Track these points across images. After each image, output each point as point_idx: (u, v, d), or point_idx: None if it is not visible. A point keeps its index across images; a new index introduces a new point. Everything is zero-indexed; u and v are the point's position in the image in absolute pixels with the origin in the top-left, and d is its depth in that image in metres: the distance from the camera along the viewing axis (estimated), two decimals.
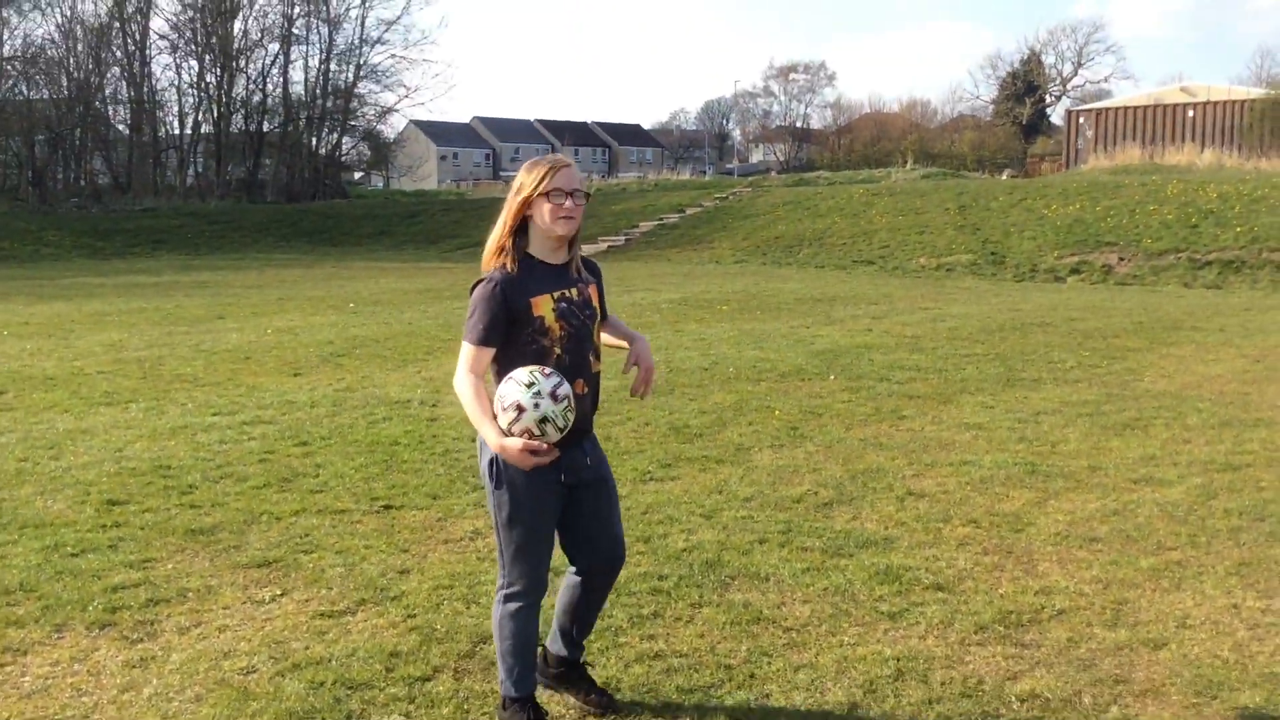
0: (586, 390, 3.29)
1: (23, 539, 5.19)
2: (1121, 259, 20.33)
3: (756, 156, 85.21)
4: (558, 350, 3.23)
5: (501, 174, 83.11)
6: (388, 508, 5.77)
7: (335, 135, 48.32)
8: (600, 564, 3.44)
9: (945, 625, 4.17)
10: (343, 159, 50.62)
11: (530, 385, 3.09)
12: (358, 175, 60.95)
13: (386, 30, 50.75)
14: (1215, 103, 37.49)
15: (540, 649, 3.58)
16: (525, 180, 3.24)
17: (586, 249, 26.01)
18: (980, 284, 19.42)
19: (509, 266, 3.24)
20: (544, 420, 3.07)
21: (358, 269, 24.71)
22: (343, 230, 34.81)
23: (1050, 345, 11.22)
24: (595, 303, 3.36)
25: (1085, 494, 5.92)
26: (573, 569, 3.50)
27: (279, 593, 4.56)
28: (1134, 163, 32.87)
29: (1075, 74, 71.49)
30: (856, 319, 13.87)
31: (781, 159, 76.76)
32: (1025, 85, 66.28)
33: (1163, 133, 36.61)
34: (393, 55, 47.09)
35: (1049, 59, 70.79)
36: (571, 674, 3.57)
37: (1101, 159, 35.37)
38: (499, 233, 3.27)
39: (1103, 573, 4.73)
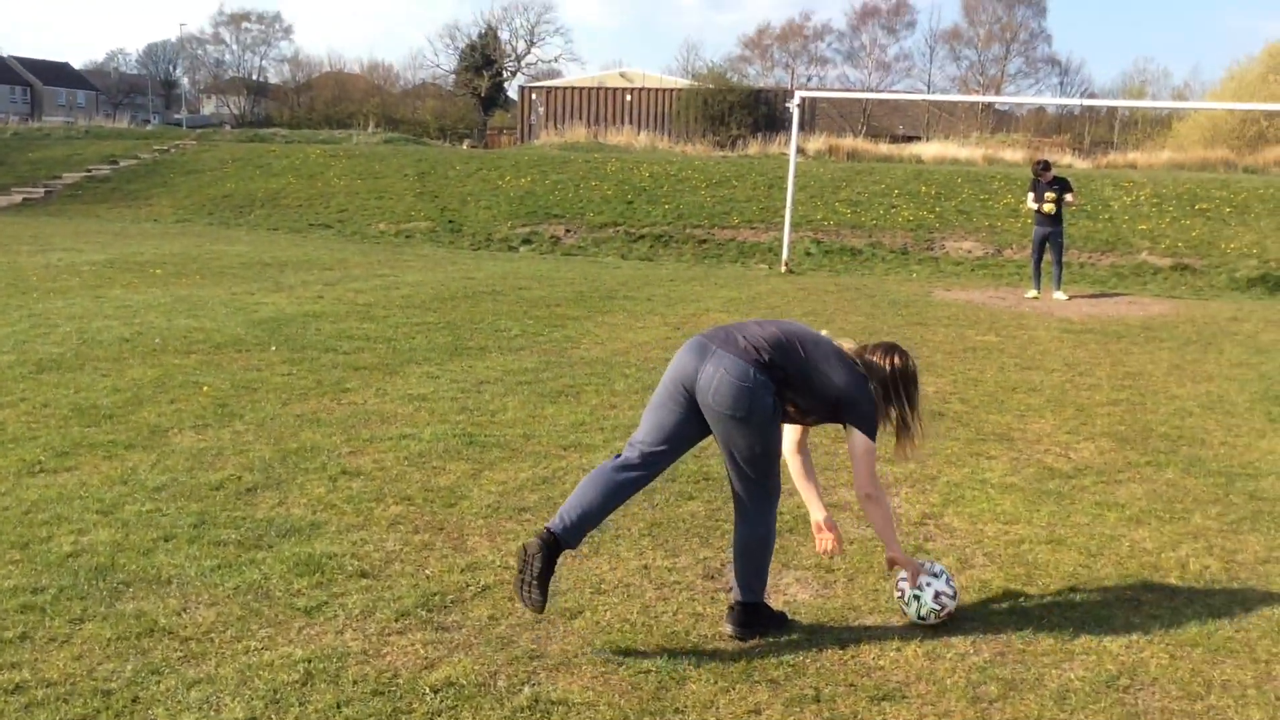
0: None
1: None
2: (568, 230, 21.51)
3: (209, 109, 79.76)
4: None
5: None
6: None
7: None
8: None
9: (365, 616, 3.93)
10: None
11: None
12: None
13: None
14: (649, 89, 41.09)
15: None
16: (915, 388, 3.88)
17: None
18: (438, 251, 19.56)
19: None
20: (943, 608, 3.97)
21: None
22: None
23: (498, 313, 11.47)
24: None
25: (519, 463, 5.99)
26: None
27: None
28: (581, 140, 35.07)
29: (529, 52, 74.83)
30: (308, 285, 13.27)
31: (236, 113, 72.49)
32: (483, 58, 68.13)
33: (605, 114, 39.45)
34: None
35: (504, 35, 73.41)
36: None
37: (553, 135, 37.33)
38: (910, 412, 3.87)
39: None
